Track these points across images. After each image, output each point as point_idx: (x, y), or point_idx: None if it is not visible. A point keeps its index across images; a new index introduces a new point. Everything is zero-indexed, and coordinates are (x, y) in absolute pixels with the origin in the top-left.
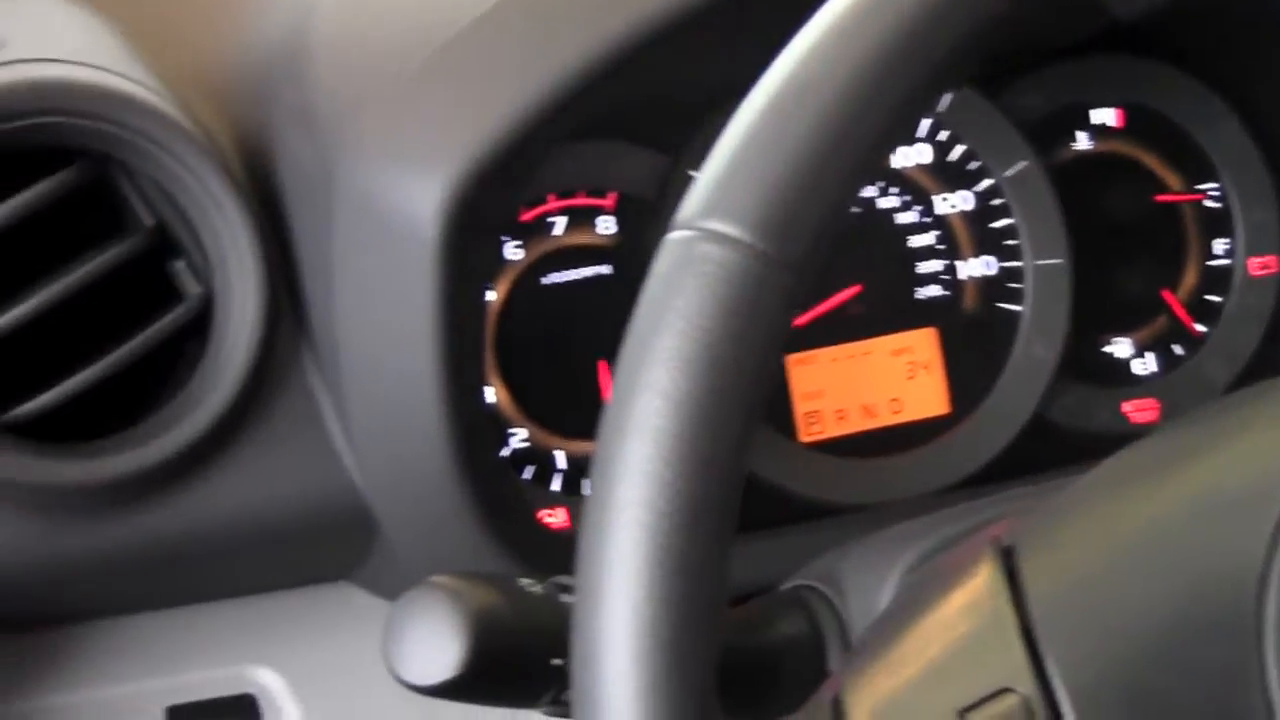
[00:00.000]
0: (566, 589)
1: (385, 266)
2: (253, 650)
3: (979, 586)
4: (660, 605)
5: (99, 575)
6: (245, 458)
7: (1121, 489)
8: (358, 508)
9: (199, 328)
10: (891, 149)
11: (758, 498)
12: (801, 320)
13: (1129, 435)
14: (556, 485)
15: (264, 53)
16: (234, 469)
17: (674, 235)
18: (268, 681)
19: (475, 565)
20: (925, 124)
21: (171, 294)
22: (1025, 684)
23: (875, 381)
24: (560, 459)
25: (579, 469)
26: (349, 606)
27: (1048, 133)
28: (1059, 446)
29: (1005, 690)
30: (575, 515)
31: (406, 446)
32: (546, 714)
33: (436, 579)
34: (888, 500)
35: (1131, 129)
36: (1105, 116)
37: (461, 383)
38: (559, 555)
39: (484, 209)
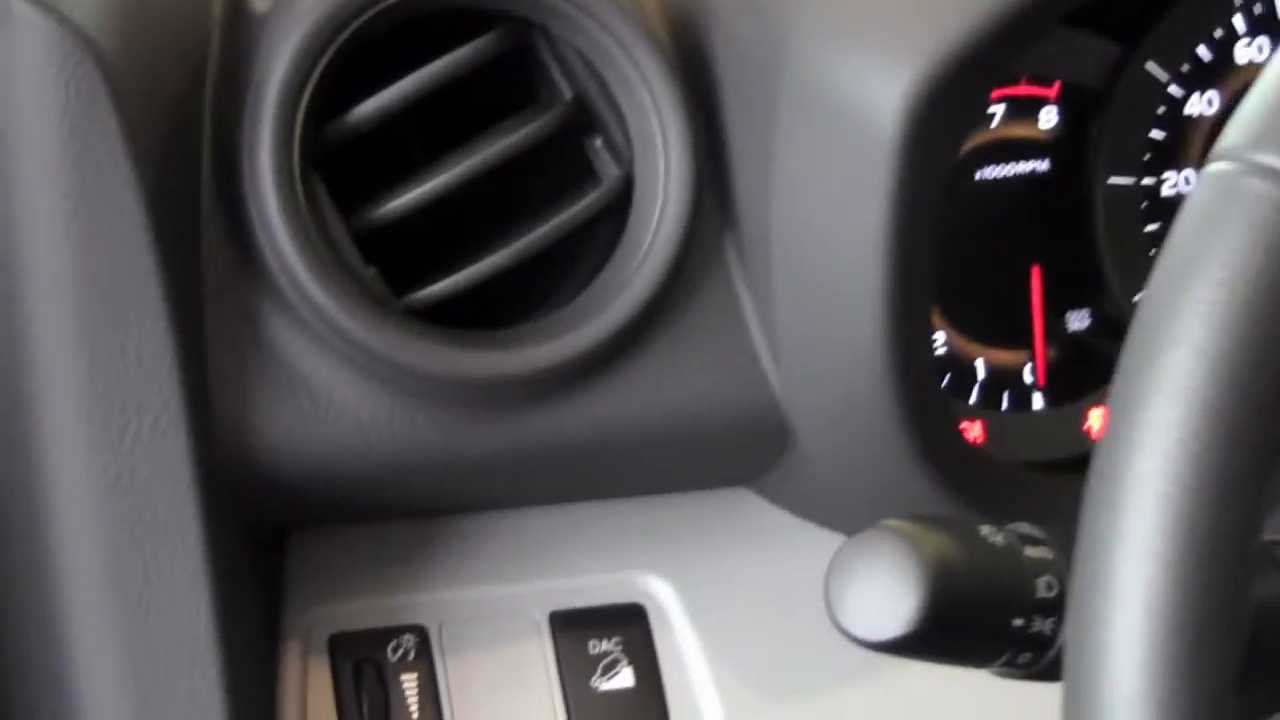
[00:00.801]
0: (1031, 540)
1: (834, 163)
2: (644, 556)
3: None
4: (1183, 595)
5: (493, 471)
6: (660, 355)
7: None
8: (773, 413)
9: (613, 213)
10: None
11: None
12: None
13: None
14: (974, 397)
15: None
16: (648, 366)
17: (1215, 167)
18: (657, 591)
19: (893, 480)
20: None
21: (583, 174)
22: None
23: None
24: (980, 368)
25: (999, 381)
26: (747, 516)
27: None
28: None
29: None
30: (991, 430)
31: (838, 354)
32: (998, 674)
33: (890, 522)
34: None
35: None
36: None
37: (909, 295)
38: (978, 474)
39: (952, 107)
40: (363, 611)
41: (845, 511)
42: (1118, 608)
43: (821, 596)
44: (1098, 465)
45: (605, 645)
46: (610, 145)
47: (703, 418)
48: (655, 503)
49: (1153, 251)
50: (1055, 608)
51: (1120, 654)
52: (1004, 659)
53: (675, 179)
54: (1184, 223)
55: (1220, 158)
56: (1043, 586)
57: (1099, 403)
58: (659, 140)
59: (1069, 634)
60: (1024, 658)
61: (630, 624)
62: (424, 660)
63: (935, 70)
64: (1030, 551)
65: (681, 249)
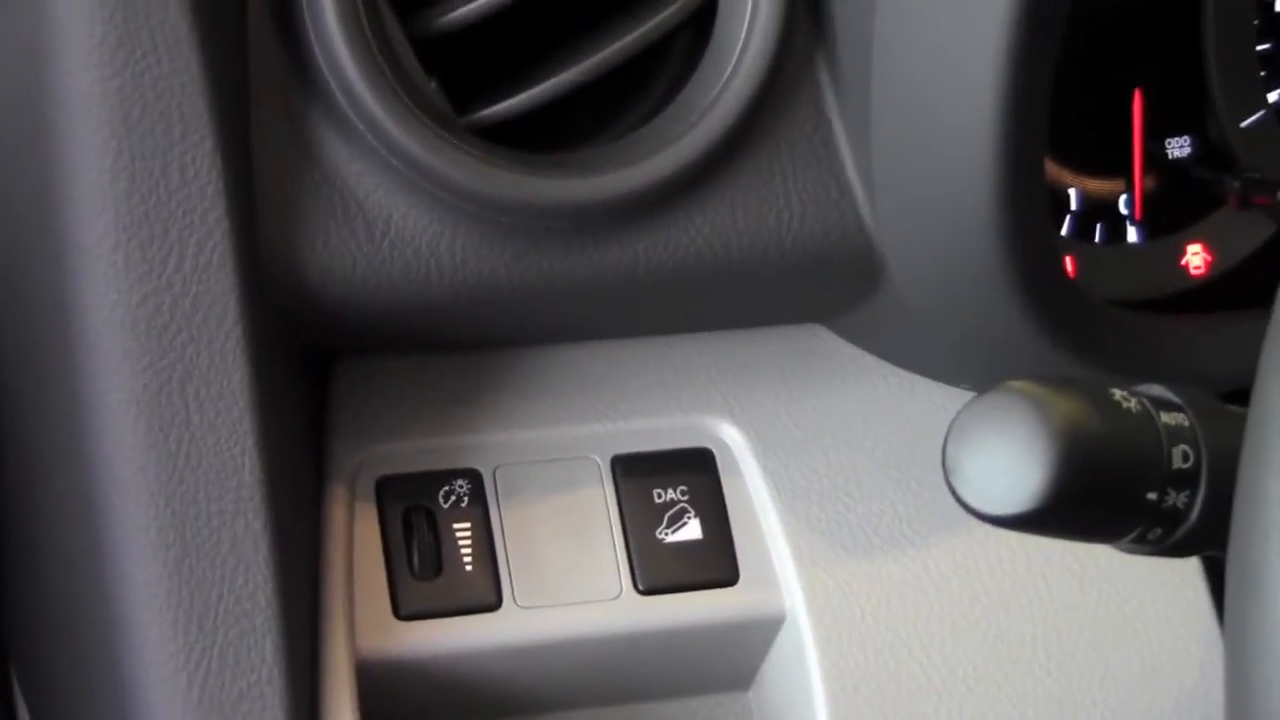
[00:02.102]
0: (1165, 405)
1: None
2: (713, 399)
3: None
4: None
5: (563, 303)
6: (745, 182)
7: None
8: (865, 245)
9: (694, 25)
10: None
11: None
12: None
13: None
14: (1066, 228)
15: None
16: (731, 195)
17: None
18: (727, 435)
19: (994, 321)
20: None
21: None
22: None
23: None
24: (1074, 198)
25: (1093, 211)
26: (824, 357)
27: None
28: None
29: None
30: (1082, 265)
31: (942, 183)
32: (1125, 550)
33: (1016, 383)
34: None
35: None
36: None
37: (1027, 117)
38: (1077, 313)
39: None
40: (413, 452)
41: (933, 353)
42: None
43: (904, 444)
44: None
45: (671, 494)
46: None
47: (790, 247)
48: (726, 340)
49: (1263, 73)
50: (1191, 479)
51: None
52: (1134, 534)
53: None
54: None
55: None
56: (1179, 457)
57: (1197, 238)
58: None
59: (1236, 508)
60: (1155, 533)
61: (698, 471)
62: (478, 507)
63: None
64: (1165, 418)
65: (771, 66)
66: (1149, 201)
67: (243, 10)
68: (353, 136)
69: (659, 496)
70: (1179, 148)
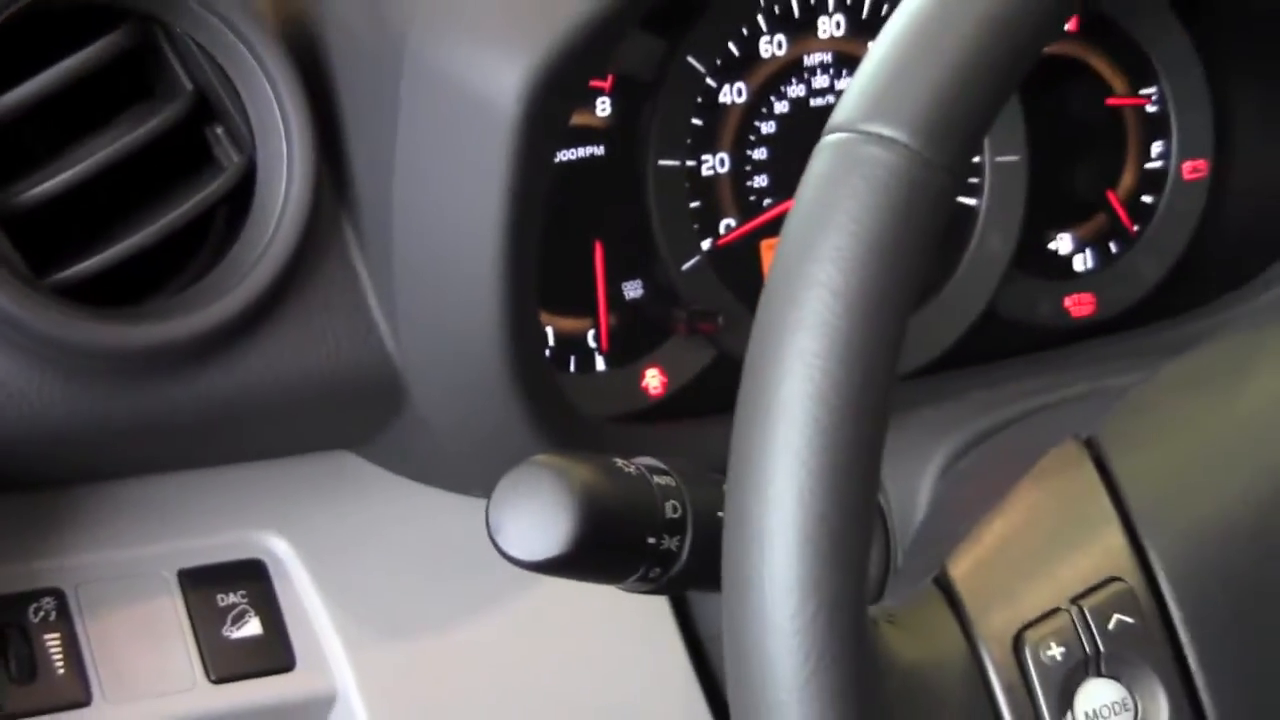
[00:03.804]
0: (656, 470)
1: (454, 144)
2: (261, 516)
3: (1075, 479)
4: (829, 492)
5: (134, 436)
6: (287, 325)
7: (1198, 390)
8: (390, 376)
9: (238, 195)
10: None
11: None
12: (780, 209)
13: (1068, 328)
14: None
15: None
16: (276, 336)
17: (834, 137)
18: (276, 547)
19: (502, 433)
20: None
21: (204, 159)
22: (1130, 574)
23: None
24: (550, 335)
25: (566, 345)
26: (354, 477)
27: None
28: (1005, 338)
29: (1113, 579)
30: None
31: (455, 320)
32: (630, 590)
33: (541, 457)
34: None
35: (1083, 32)
36: None
37: (523, 264)
38: (572, 426)
39: (561, 93)
40: (2, 577)
41: (452, 466)
42: (773, 508)
43: (429, 541)
44: (745, 392)
45: (232, 598)
46: (231, 134)
47: (325, 382)
48: (273, 468)
49: (696, 225)
50: (680, 527)
51: (776, 543)
52: (638, 574)
53: (298, 163)
54: (810, 184)
55: (836, 129)
56: (669, 509)
57: (654, 363)
58: (281, 128)
59: (727, 534)
60: (655, 572)
61: (253, 578)
62: (65, 620)
63: (550, 59)
64: (657, 479)
65: (304, 229)
66: (612, 335)
67: None
68: None
69: (222, 600)
70: (633, 289)
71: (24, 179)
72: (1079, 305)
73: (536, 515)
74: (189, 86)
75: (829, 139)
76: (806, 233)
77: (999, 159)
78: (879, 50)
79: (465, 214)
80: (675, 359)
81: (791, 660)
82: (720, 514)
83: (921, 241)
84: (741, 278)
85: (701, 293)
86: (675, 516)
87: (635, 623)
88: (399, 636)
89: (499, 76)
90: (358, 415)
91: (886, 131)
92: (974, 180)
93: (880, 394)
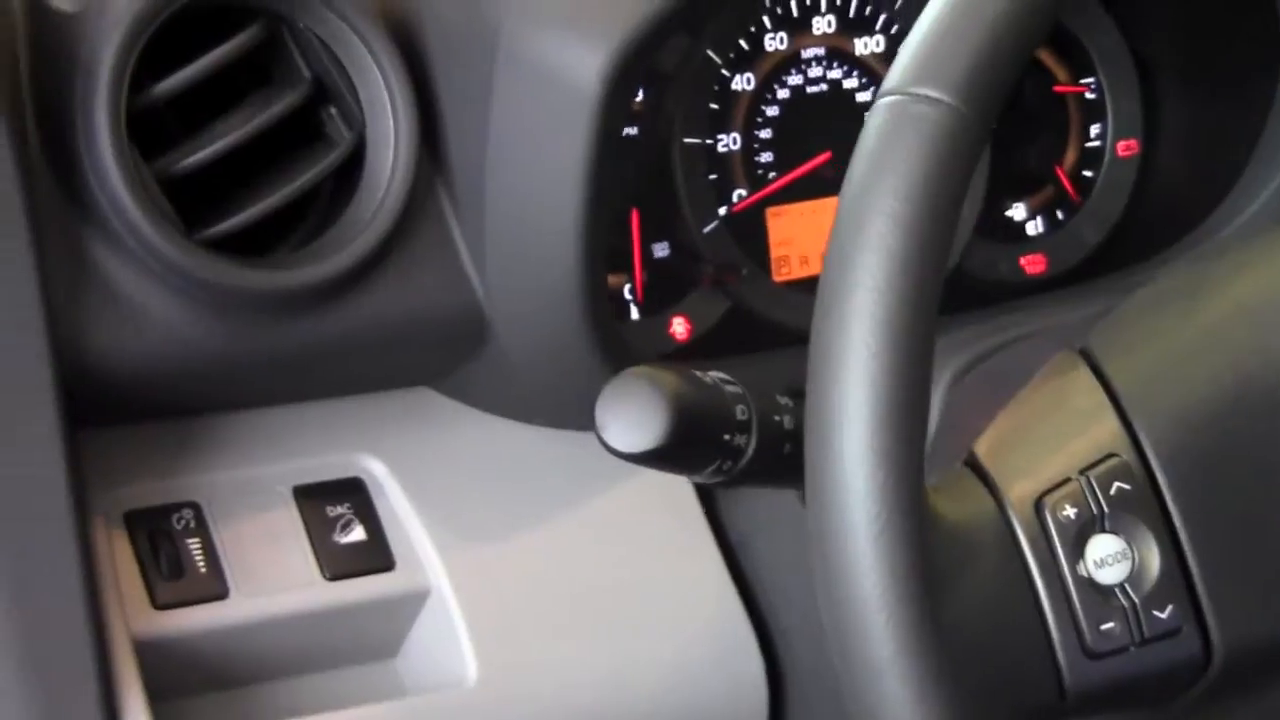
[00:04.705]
0: (726, 381)
1: (542, 120)
2: (359, 441)
3: (1074, 379)
4: (891, 377)
5: (262, 369)
6: (392, 277)
7: (1168, 305)
8: (477, 321)
9: (349, 165)
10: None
11: (747, 326)
12: (782, 181)
13: (1024, 284)
14: None
15: None
16: (383, 285)
17: (889, 99)
18: (373, 467)
19: (574, 369)
20: (881, 18)
21: (315, 136)
22: (1125, 450)
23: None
24: None
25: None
26: (435, 409)
27: None
28: (971, 292)
29: (1112, 455)
30: None
31: (540, 271)
32: (705, 480)
33: (636, 369)
34: None
35: None
36: None
37: (598, 221)
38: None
39: (634, 75)
40: (149, 492)
41: (522, 398)
42: (851, 392)
43: (508, 459)
44: (822, 303)
45: (340, 509)
46: (344, 114)
47: (423, 324)
48: (364, 401)
49: (714, 194)
50: (747, 427)
51: (853, 421)
52: (714, 466)
53: (404, 140)
54: (869, 137)
55: (889, 93)
56: (739, 411)
57: (679, 313)
58: (389, 109)
59: (809, 417)
60: (727, 464)
61: (355, 493)
62: (202, 528)
63: (626, 47)
64: (728, 388)
65: (408, 196)
66: (646, 289)
67: (30, 167)
68: (121, 248)
69: (331, 511)
70: (661, 249)
71: (175, 151)
72: (1032, 264)
73: (636, 415)
74: (307, 74)
75: (884, 100)
76: (869, 176)
77: None
78: (922, 25)
79: (550, 183)
80: (698, 309)
81: (866, 516)
82: (777, 418)
83: (961, 178)
84: (751, 239)
85: (719, 252)
86: (744, 419)
87: (675, 527)
88: (480, 540)
89: (583, 62)
90: (446, 354)
91: (933, 93)
92: None
93: (931, 298)
